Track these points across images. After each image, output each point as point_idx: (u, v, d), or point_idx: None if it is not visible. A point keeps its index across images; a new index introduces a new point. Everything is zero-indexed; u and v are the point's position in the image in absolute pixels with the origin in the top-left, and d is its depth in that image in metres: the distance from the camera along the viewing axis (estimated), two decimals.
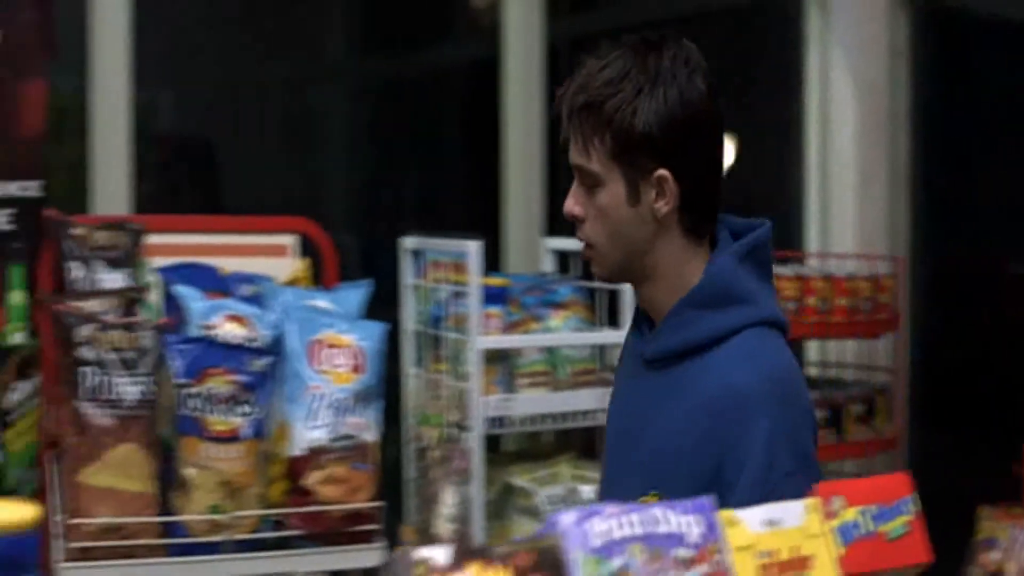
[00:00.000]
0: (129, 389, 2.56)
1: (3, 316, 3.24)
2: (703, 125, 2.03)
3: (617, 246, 2.09)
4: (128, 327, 2.63)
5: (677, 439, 2.01)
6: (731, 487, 1.90)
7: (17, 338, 3.23)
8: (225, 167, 4.51)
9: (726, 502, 1.91)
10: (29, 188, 3.37)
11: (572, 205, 2.09)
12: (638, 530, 1.29)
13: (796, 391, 2.05)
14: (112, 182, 3.72)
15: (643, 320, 2.20)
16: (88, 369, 2.58)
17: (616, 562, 1.25)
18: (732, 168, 5.81)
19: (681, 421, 2.02)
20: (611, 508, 1.29)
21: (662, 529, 1.30)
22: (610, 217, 2.06)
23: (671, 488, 1.94)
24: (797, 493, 1.90)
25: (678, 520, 1.31)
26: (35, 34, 3.40)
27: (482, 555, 1.16)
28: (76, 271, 2.95)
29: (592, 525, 1.26)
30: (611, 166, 2.02)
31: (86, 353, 2.59)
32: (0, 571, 1.05)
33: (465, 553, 1.16)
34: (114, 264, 2.99)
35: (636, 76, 1.99)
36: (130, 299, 2.83)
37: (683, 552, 1.29)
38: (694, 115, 2.00)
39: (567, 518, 1.25)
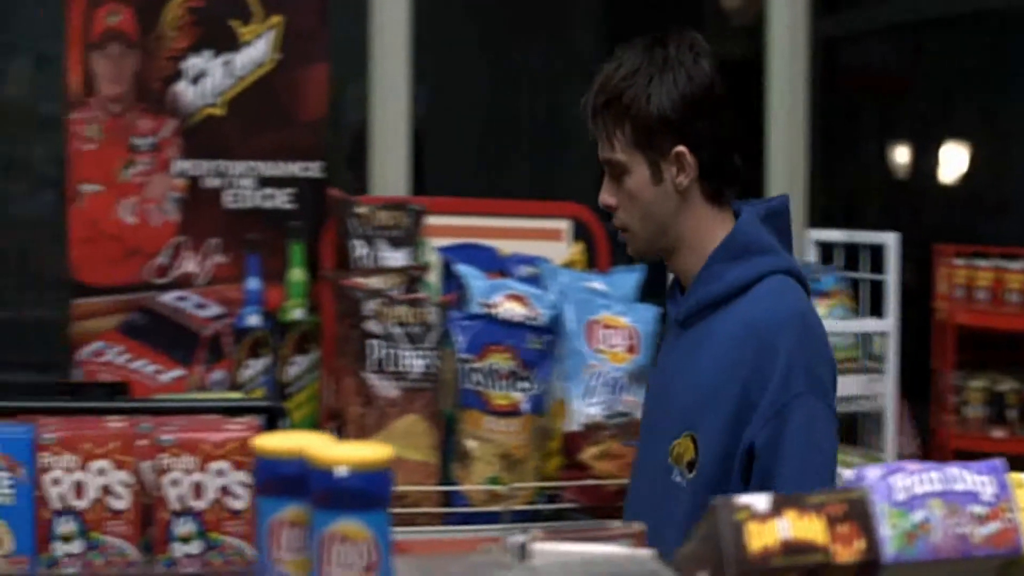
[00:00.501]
0: (415, 362, 2.70)
1: (283, 292, 3.44)
2: (711, 101, 2.25)
3: (648, 224, 2.31)
4: (413, 303, 2.77)
5: (706, 378, 2.22)
6: (755, 407, 2.13)
7: (296, 314, 3.43)
8: (497, 153, 4.65)
9: (750, 421, 2.12)
10: (310, 169, 3.56)
11: (605, 197, 2.34)
12: (937, 487, 1.37)
13: (815, 328, 2.23)
14: (391, 164, 3.89)
15: (676, 289, 2.41)
16: (375, 342, 2.73)
17: (918, 515, 1.35)
18: (990, 166, 5.74)
19: (709, 362, 2.23)
20: (912, 465, 1.38)
21: (959, 487, 1.38)
22: (638, 199, 2.29)
23: (704, 424, 2.19)
24: (805, 412, 2.13)
25: (973, 479, 1.38)
26: (316, 18, 3.59)
27: (797, 504, 1.22)
28: (360, 249, 3.12)
29: (896, 480, 1.34)
30: (633, 152, 2.27)
31: (373, 327, 2.74)
32: (354, 504, 1.15)
33: (782, 502, 1.22)
34: (396, 243, 3.15)
35: (647, 68, 2.24)
36: (412, 277, 2.98)
37: (978, 509, 1.35)
38: (701, 93, 2.23)
39: (873, 472, 1.33)
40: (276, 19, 3.52)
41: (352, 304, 2.79)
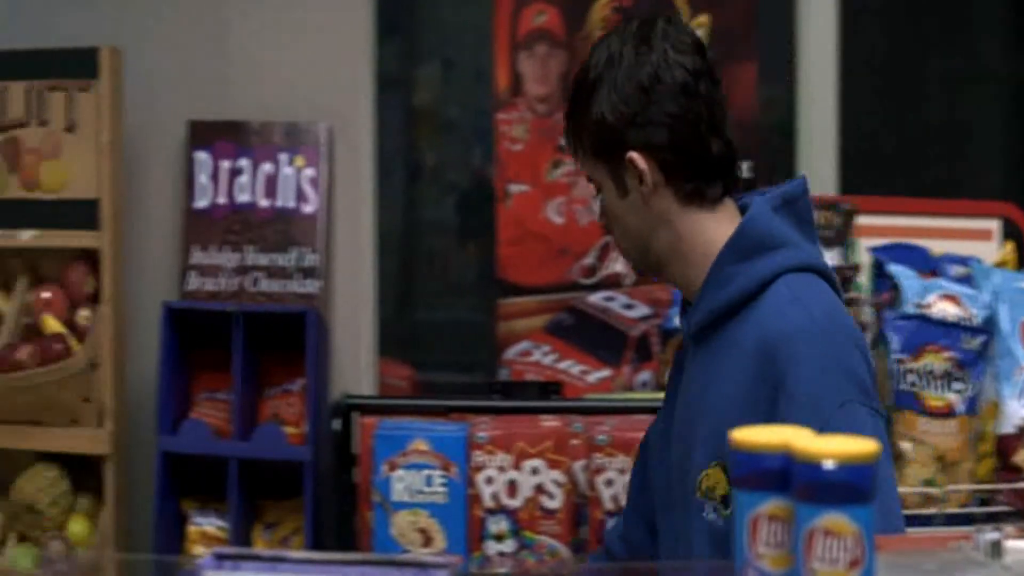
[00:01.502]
0: None
1: None
2: (658, 94, 2.08)
3: (630, 239, 2.20)
4: (849, 303, 2.79)
5: (730, 399, 2.04)
6: (785, 422, 1.90)
7: None
8: (908, 154, 4.58)
9: None
10: (741, 168, 3.62)
11: (598, 216, 2.28)
12: None
13: (845, 327, 2.07)
14: (819, 164, 3.89)
15: (685, 304, 2.25)
16: None
17: None
18: None
19: (729, 381, 2.06)
20: None
21: None
22: (615, 214, 2.20)
23: None
24: (853, 422, 1.91)
25: None
26: (745, 17, 3.65)
27: None
28: None
29: None
30: (597, 165, 2.16)
31: None
32: (841, 498, 1.19)
33: None
34: (827, 243, 3.18)
35: (591, 73, 2.13)
36: (844, 277, 3.00)
37: None
38: (645, 89, 2.08)
39: None
40: (703, 18, 3.61)
41: None
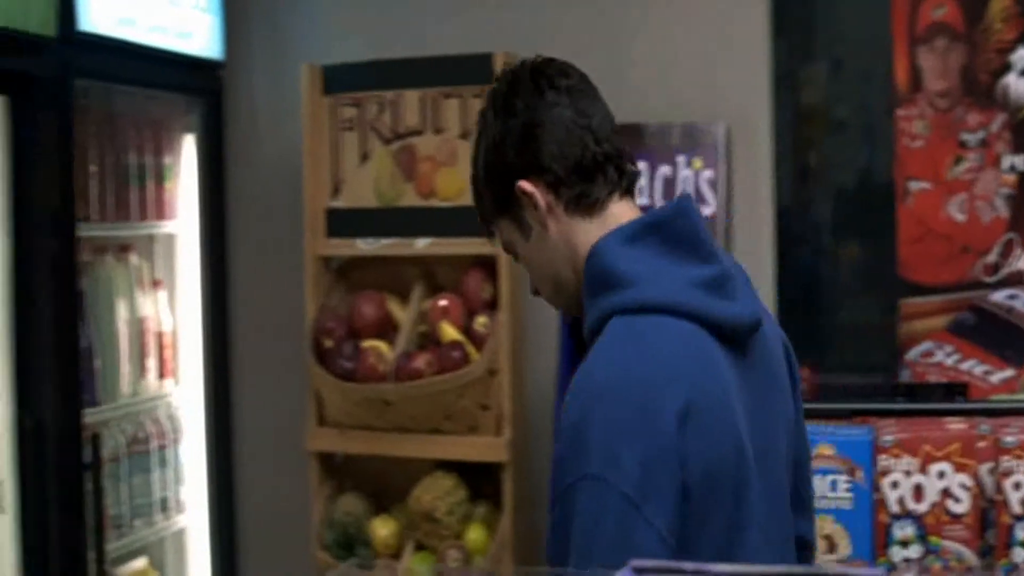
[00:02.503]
0: None
1: None
2: (531, 117, 2.29)
3: (545, 281, 2.39)
4: None
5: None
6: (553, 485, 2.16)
7: None
8: None
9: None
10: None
11: (531, 285, 2.45)
12: None
13: (621, 400, 2.13)
14: None
15: None
16: None
17: None
18: None
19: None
20: None
21: None
22: (530, 264, 2.39)
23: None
24: (574, 503, 2.09)
25: None
26: None
27: None
28: None
29: None
30: (503, 221, 2.36)
31: None
32: None
33: None
34: None
35: (474, 146, 2.40)
36: None
37: None
38: (510, 122, 2.31)
39: None
40: None
41: None
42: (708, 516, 2.14)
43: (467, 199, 4.11)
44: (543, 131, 2.29)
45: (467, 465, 4.20)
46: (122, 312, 4.23)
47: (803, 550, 2.48)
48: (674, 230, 2.27)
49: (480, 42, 4.23)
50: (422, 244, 4.26)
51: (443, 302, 4.22)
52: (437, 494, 4.15)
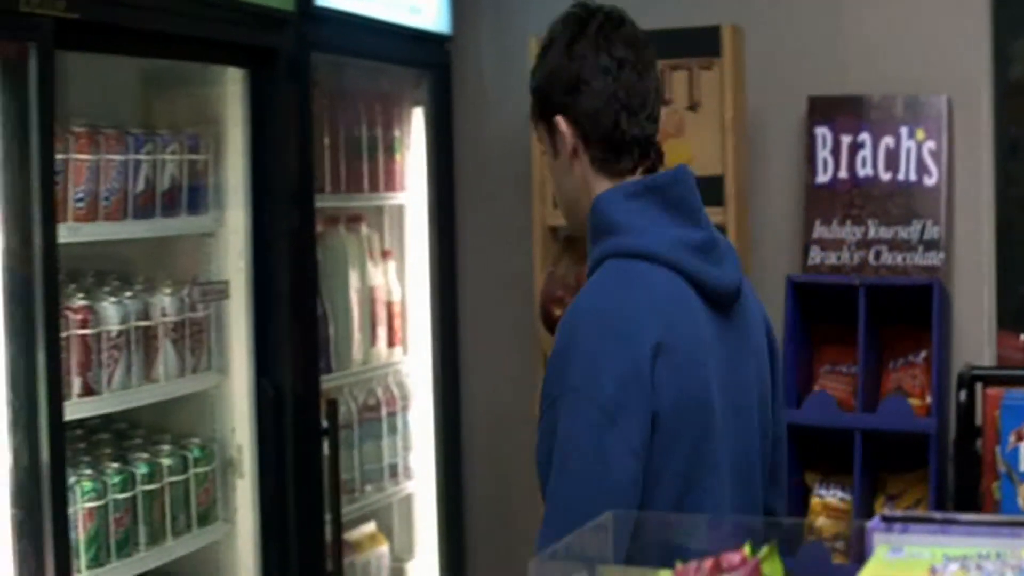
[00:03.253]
0: None
1: None
2: (585, 74, 2.52)
3: (562, 199, 2.68)
4: None
5: None
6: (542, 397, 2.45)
7: None
8: None
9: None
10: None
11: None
12: None
13: (604, 327, 2.38)
14: None
15: None
16: None
17: None
18: None
19: None
20: None
21: None
22: (551, 174, 2.69)
23: None
24: (555, 417, 2.34)
25: None
26: None
27: None
28: None
29: None
30: (538, 128, 2.63)
31: None
32: None
33: None
34: None
35: (540, 48, 2.63)
36: None
37: None
38: (567, 64, 2.53)
39: None
40: None
41: None
42: (672, 451, 2.35)
43: (695, 170, 4.19)
44: (587, 90, 2.52)
45: None
46: (354, 281, 4.37)
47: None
48: (671, 194, 2.51)
49: (707, 15, 4.30)
50: None
51: None
52: None
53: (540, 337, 4.37)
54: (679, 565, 1.76)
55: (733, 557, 1.76)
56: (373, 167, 4.51)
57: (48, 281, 3.02)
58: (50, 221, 3.03)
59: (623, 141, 2.53)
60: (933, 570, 1.50)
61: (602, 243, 2.50)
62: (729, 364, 2.48)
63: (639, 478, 2.32)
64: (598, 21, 2.57)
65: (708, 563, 1.78)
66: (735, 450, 2.46)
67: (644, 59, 2.58)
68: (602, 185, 2.53)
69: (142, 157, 3.55)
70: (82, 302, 3.42)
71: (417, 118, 4.77)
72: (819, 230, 4.29)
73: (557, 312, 4.29)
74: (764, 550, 1.84)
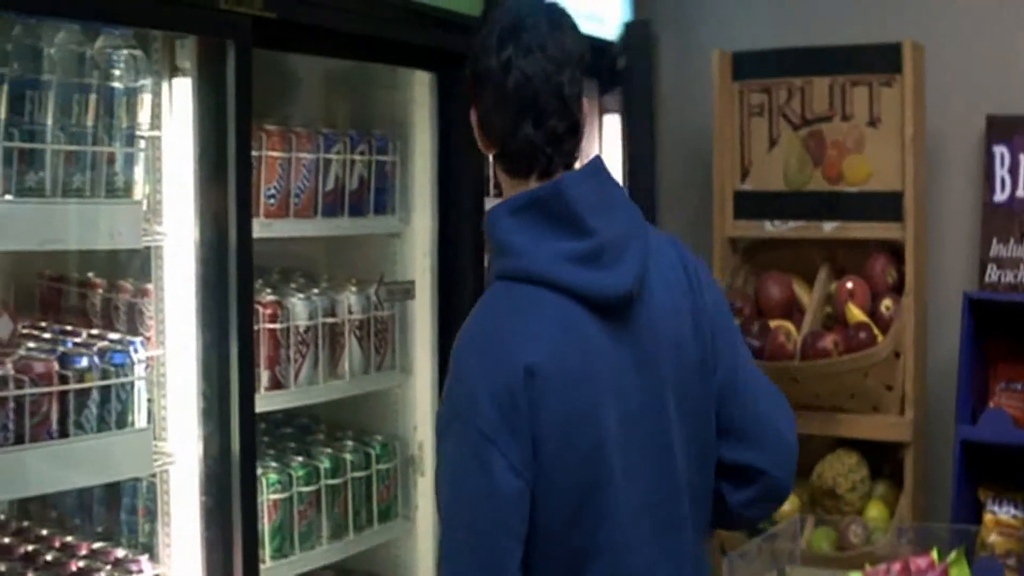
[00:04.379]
0: None
1: None
2: (486, 82, 2.44)
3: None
4: None
5: None
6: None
7: None
8: None
9: None
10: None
11: None
12: None
13: (481, 352, 2.35)
14: None
15: None
16: None
17: None
18: None
19: None
20: None
21: None
22: None
23: None
24: (444, 446, 2.36)
25: None
26: None
27: None
28: None
29: None
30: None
31: None
32: None
33: None
34: None
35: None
36: None
37: None
38: (478, 72, 2.45)
39: None
40: None
41: None
42: (558, 467, 2.32)
43: (874, 185, 4.06)
44: (492, 93, 2.43)
45: (867, 443, 4.19)
46: None
47: (746, 475, 2.55)
48: (551, 207, 2.40)
49: (888, 32, 4.18)
50: (829, 228, 4.25)
51: (849, 284, 4.20)
52: (840, 471, 4.16)
53: None
54: (868, 567, 1.71)
55: (921, 561, 1.69)
56: None
57: (242, 274, 2.99)
58: (245, 216, 3.00)
59: (526, 148, 2.44)
60: None
61: (495, 261, 2.47)
62: (630, 369, 2.42)
63: (525, 493, 2.31)
64: (508, 20, 2.49)
65: (897, 566, 1.71)
66: (644, 447, 2.42)
67: (559, 45, 2.46)
68: (509, 183, 2.50)
69: (332, 156, 3.53)
70: (271, 297, 3.42)
71: (612, 125, 4.67)
72: (996, 248, 4.12)
73: (736, 322, 4.19)
74: (952, 555, 1.78)
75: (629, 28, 4.56)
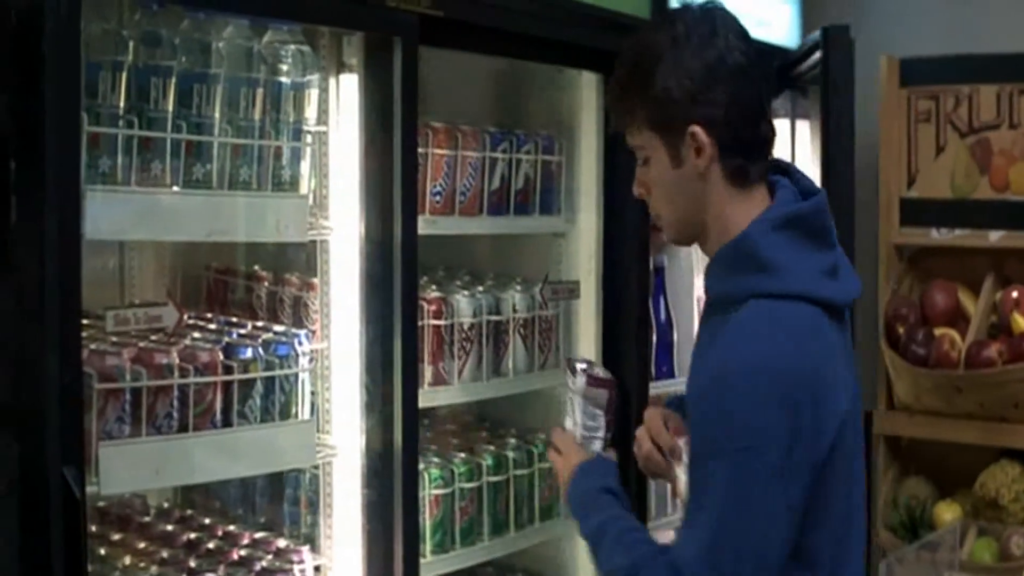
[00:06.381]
0: None
1: None
2: (723, 75, 2.23)
3: (676, 210, 2.35)
4: None
5: (693, 391, 2.30)
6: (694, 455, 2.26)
7: None
8: None
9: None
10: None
11: (636, 187, 2.41)
12: None
13: (762, 385, 2.13)
14: None
15: None
16: None
17: None
18: None
19: (699, 377, 2.28)
20: None
21: None
22: (663, 185, 2.34)
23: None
24: (708, 479, 2.14)
25: None
26: None
27: None
28: None
29: None
30: (652, 136, 2.30)
31: None
32: None
33: None
34: None
35: (654, 51, 2.27)
36: None
37: None
38: (711, 68, 2.23)
39: None
40: None
41: None
42: (834, 482, 2.19)
43: None
44: (733, 88, 2.25)
45: None
46: (697, 288, 4.08)
47: None
48: (812, 224, 2.29)
49: None
50: (995, 237, 4.03)
51: (1015, 294, 3.97)
52: (1003, 482, 3.94)
53: (884, 354, 4.09)
54: None
55: None
56: None
57: (407, 270, 2.86)
58: (411, 212, 2.87)
59: (760, 146, 2.33)
60: None
61: (746, 278, 2.26)
62: (849, 370, 2.32)
63: (792, 534, 2.17)
64: (720, 17, 2.32)
65: None
66: (859, 451, 2.34)
67: (758, 51, 2.36)
68: (733, 200, 2.29)
69: (498, 155, 3.37)
70: (436, 294, 3.26)
71: (802, 131, 4.37)
72: None
73: (900, 329, 4.08)
74: None
75: (828, 33, 4.35)
